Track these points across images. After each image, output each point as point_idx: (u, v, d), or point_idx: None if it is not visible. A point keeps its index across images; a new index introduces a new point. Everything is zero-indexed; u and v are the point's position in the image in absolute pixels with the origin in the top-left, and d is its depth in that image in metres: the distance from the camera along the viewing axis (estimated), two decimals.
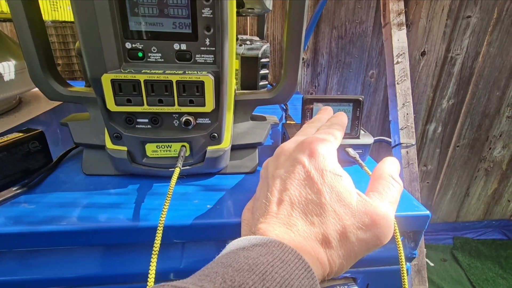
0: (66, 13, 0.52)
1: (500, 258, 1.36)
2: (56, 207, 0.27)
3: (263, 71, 0.46)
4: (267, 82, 0.48)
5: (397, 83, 0.85)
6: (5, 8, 0.37)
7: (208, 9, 0.25)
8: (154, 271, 0.20)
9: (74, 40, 1.02)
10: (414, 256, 0.31)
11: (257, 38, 0.50)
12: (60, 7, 0.50)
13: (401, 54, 0.85)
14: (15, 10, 0.26)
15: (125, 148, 0.29)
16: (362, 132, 0.36)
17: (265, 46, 0.45)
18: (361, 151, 0.35)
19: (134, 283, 0.28)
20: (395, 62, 0.84)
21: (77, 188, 0.30)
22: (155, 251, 0.21)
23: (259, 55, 0.44)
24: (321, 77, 1.10)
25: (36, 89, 0.55)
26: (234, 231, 0.25)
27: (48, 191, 0.29)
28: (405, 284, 0.23)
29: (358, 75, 1.11)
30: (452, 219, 1.46)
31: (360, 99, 0.34)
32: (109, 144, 0.30)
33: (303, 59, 1.06)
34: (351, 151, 0.33)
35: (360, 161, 0.30)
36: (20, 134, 0.30)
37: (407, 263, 0.31)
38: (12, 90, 0.47)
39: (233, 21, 0.26)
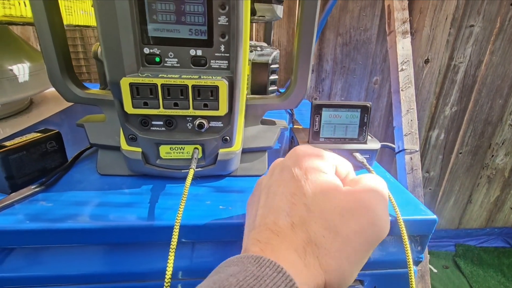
0: (78, 17, 0.53)
1: (503, 266, 1.36)
2: (72, 206, 0.28)
3: (272, 77, 0.47)
4: (276, 87, 0.49)
5: (402, 90, 0.86)
6: (24, 12, 0.38)
7: (224, 17, 0.26)
8: (171, 268, 0.21)
9: (82, 43, 1.04)
10: (421, 260, 0.31)
11: (266, 44, 0.51)
12: (74, 11, 0.51)
13: (406, 62, 0.86)
14: (37, 14, 0.27)
15: (139, 150, 0.30)
16: (369, 137, 0.37)
17: (275, 53, 0.46)
18: (368, 156, 0.36)
19: (146, 281, 0.28)
20: (399, 69, 0.85)
21: (92, 187, 0.31)
22: (172, 249, 0.21)
23: (270, 61, 0.45)
24: (326, 82, 1.12)
25: (46, 90, 0.56)
26: None
27: (65, 189, 0.30)
28: (412, 286, 0.24)
29: (362, 81, 1.12)
30: (454, 226, 1.46)
31: (368, 105, 0.35)
32: (124, 145, 0.31)
33: None
34: (358, 155, 0.34)
35: (368, 166, 0.31)
36: (38, 134, 0.31)
37: (414, 267, 0.32)
38: (27, 91, 0.48)
39: (247, 28, 0.27)
